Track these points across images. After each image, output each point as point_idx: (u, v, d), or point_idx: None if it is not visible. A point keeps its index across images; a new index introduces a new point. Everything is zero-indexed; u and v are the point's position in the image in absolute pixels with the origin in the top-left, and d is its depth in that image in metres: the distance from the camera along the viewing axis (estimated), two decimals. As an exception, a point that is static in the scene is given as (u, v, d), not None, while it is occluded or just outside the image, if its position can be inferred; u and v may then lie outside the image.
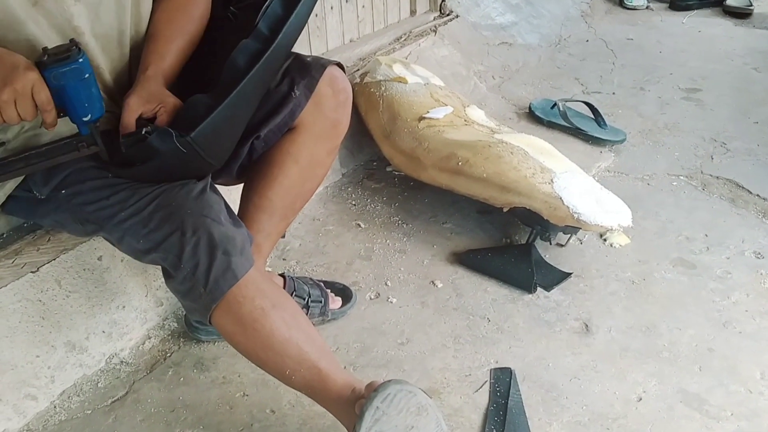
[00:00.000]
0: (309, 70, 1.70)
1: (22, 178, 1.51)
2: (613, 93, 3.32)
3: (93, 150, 1.39)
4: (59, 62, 1.31)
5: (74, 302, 1.74)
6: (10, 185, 1.53)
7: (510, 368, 1.78)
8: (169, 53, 1.53)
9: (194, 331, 1.87)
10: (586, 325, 1.91)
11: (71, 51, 1.31)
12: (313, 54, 1.68)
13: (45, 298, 1.68)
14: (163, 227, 1.38)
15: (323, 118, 1.72)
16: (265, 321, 1.39)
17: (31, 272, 1.66)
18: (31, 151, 1.38)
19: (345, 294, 2.02)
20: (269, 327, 1.39)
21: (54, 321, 1.71)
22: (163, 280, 1.88)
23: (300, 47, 2.59)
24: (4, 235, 1.76)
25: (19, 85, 1.24)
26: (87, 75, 1.33)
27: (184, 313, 1.92)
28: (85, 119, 1.35)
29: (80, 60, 1.32)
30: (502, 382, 1.73)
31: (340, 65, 1.78)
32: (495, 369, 1.78)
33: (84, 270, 1.76)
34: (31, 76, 1.25)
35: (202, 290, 1.36)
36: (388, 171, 2.67)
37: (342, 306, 1.98)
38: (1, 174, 1.38)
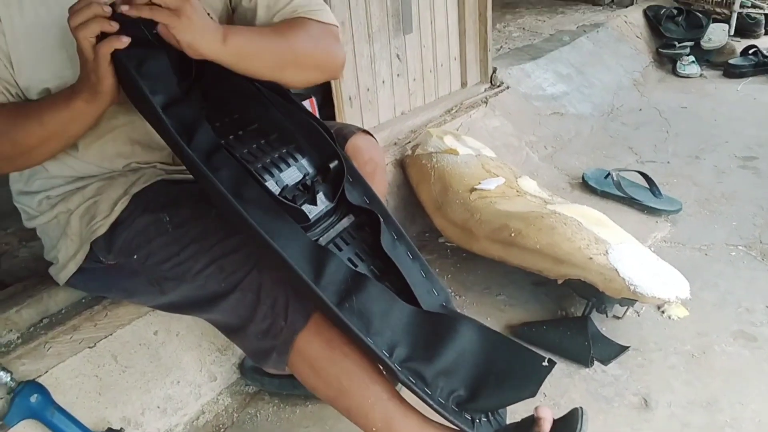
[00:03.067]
0: None
1: (89, 249, 1.52)
2: (668, 162, 3.30)
3: None
4: None
5: (130, 377, 1.75)
6: (81, 255, 1.54)
7: (567, 445, 1.74)
8: None
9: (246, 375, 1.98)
10: (645, 400, 1.86)
11: None
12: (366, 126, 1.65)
13: (101, 374, 1.70)
14: (240, 269, 1.38)
15: None
16: (353, 342, 1.33)
17: (89, 347, 1.69)
18: None
19: None
20: (357, 348, 1.34)
21: (110, 397, 1.72)
22: (216, 355, 1.91)
23: (351, 121, 2.62)
24: (63, 311, 1.77)
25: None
26: None
27: (241, 360, 1.96)
28: None
29: None
30: (560, 460, 1.69)
31: (366, 132, 1.74)
32: (552, 446, 1.75)
33: (140, 345, 1.78)
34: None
35: (282, 323, 1.35)
36: (440, 242, 2.67)
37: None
38: None
